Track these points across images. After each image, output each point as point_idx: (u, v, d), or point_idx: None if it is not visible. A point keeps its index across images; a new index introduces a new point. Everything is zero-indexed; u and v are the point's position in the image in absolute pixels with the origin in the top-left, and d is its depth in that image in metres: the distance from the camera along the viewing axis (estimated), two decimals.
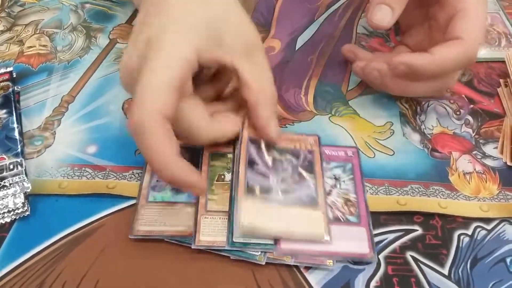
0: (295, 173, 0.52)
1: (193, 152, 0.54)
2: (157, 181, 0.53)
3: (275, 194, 0.50)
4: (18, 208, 0.50)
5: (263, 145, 0.54)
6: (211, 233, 0.48)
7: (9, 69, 0.63)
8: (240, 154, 0.52)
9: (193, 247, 0.47)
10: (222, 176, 0.52)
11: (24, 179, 0.51)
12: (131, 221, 0.50)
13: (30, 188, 0.51)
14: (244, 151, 0.52)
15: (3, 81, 0.61)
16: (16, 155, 0.53)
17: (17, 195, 0.50)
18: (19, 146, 0.54)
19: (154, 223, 0.49)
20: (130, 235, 0.49)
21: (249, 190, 0.50)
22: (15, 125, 0.56)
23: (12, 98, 0.59)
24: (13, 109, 0.58)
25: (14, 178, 0.52)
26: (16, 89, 0.61)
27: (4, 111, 0.58)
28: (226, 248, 0.47)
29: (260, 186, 0.51)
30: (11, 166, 0.52)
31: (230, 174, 0.52)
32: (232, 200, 0.50)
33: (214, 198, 0.51)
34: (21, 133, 0.56)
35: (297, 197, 0.50)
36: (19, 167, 0.52)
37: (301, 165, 0.53)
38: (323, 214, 0.49)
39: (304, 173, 0.52)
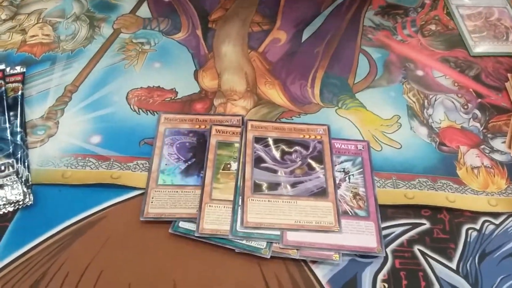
0: (304, 164, 0.52)
1: (200, 140, 0.55)
2: (165, 164, 0.53)
3: (283, 188, 0.50)
4: (20, 200, 0.49)
5: (270, 141, 0.54)
6: (215, 221, 0.48)
7: (22, 70, 0.62)
8: (246, 156, 0.52)
9: (196, 234, 0.47)
10: (228, 165, 0.52)
11: (16, 180, 0.50)
12: (136, 210, 0.49)
13: (21, 194, 0.50)
14: (250, 151, 0.53)
15: (15, 81, 0.60)
16: (8, 156, 0.52)
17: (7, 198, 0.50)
18: (11, 147, 0.53)
19: (165, 206, 0.49)
20: (141, 217, 0.48)
21: (256, 188, 0.50)
22: (7, 125, 0.55)
23: (19, 101, 0.58)
24: (18, 113, 0.57)
25: (5, 179, 0.50)
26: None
27: (12, 113, 0.57)
28: (229, 237, 0.47)
29: (268, 182, 0.50)
30: (2, 168, 0.51)
31: (237, 164, 0.52)
32: (237, 190, 0.50)
33: (219, 187, 0.50)
34: (13, 133, 0.55)
35: (307, 189, 0.50)
36: (11, 168, 0.51)
37: (311, 156, 0.53)
38: (333, 204, 0.49)
39: (314, 164, 0.52)
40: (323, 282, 0.46)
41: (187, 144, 0.55)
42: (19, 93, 0.59)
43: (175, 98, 0.61)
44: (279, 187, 0.50)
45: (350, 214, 0.49)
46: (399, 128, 0.59)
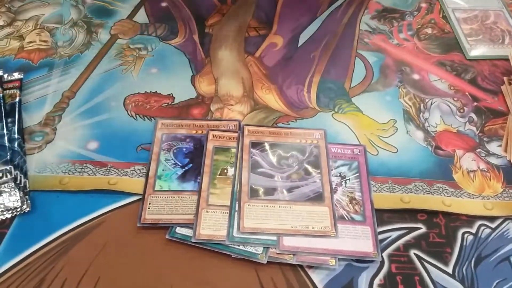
0: (301, 169, 0.52)
1: (197, 146, 0.55)
2: (163, 170, 0.53)
3: (280, 193, 0.50)
4: (17, 206, 0.50)
5: (267, 146, 0.54)
6: (212, 226, 0.48)
7: (20, 76, 0.62)
8: (243, 161, 0.52)
9: (193, 240, 0.47)
10: (225, 171, 0.52)
11: (13, 186, 0.51)
12: (133, 216, 0.49)
13: (19, 201, 0.50)
14: (246, 156, 0.53)
15: (13, 88, 0.61)
16: (5, 163, 0.52)
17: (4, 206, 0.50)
18: (8, 154, 0.53)
19: (162, 211, 0.49)
20: (138, 223, 0.49)
21: (253, 193, 0.50)
22: (5, 132, 0.55)
23: (17, 108, 0.58)
24: (16, 119, 0.57)
25: (3, 186, 0.51)
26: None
27: (10, 119, 0.57)
28: (226, 242, 0.47)
29: (264, 187, 0.51)
30: (0, 174, 0.51)
31: (233, 169, 0.52)
32: (234, 195, 0.50)
33: (216, 192, 0.50)
34: (11, 140, 0.55)
35: (303, 194, 0.50)
36: (8, 175, 0.51)
37: (307, 161, 0.53)
38: (329, 209, 0.49)
39: (310, 169, 0.52)
40: (320, 287, 0.46)
41: (184, 149, 0.55)
42: (17, 99, 0.59)
43: (172, 103, 0.61)
44: (276, 192, 0.50)
45: (346, 218, 0.49)
46: (395, 132, 0.59)
